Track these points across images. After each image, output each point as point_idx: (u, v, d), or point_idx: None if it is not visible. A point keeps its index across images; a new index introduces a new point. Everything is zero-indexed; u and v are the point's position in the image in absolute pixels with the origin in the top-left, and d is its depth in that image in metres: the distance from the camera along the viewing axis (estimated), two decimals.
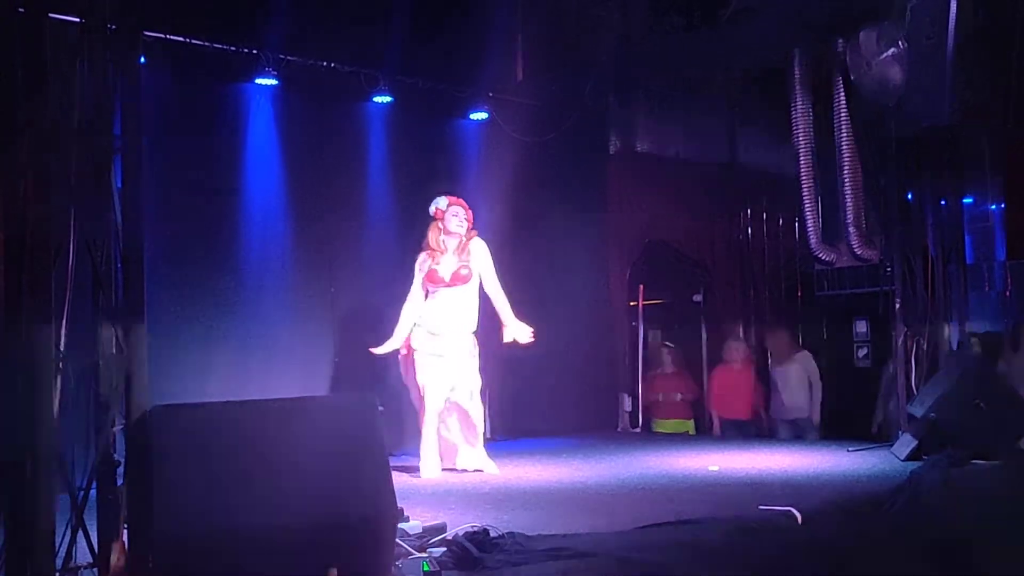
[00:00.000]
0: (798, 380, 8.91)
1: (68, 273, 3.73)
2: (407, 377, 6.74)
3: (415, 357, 6.59)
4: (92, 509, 3.71)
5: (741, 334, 10.45)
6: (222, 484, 3.49)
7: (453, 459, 6.70)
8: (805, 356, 9.09)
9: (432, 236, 6.66)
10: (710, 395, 9.32)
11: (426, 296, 6.67)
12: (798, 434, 8.77)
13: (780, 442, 8.28)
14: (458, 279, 6.55)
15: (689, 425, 9.40)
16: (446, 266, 6.58)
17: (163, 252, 6.33)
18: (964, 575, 4.92)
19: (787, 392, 8.91)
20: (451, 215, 6.64)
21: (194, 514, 3.41)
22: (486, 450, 6.75)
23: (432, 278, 6.58)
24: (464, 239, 6.64)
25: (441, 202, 6.69)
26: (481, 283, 6.66)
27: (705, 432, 9.41)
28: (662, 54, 8.24)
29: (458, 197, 6.79)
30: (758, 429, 9.08)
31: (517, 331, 6.66)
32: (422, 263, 6.65)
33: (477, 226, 6.89)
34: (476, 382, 6.64)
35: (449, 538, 4.07)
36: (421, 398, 6.61)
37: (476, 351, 6.68)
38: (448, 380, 6.54)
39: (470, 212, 6.76)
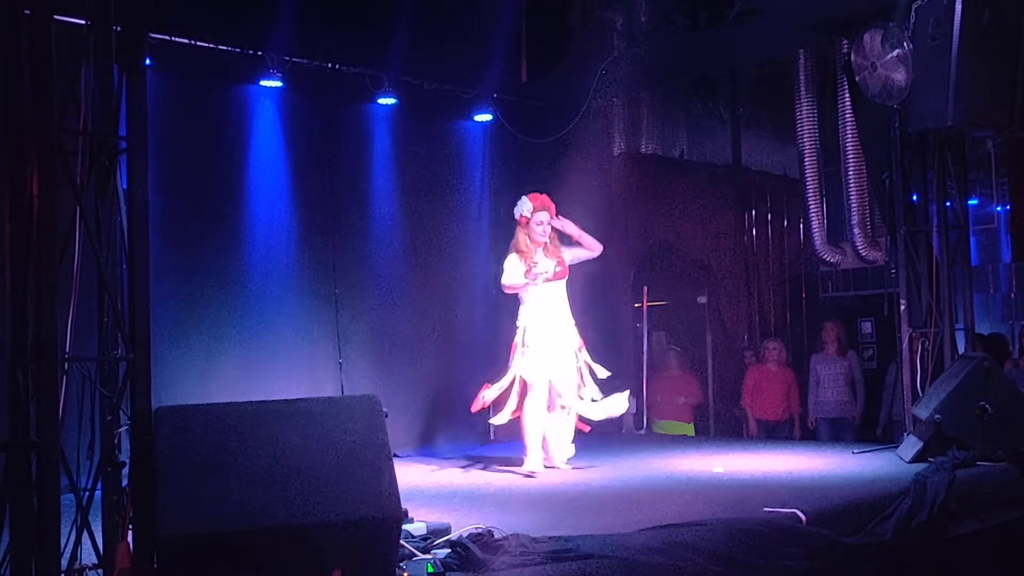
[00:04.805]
0: (842, 379, 8.92)
1: (74, 274, 3.74)
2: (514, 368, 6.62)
3: (526, 353, 6.50)
4: (97, 510, 3.72)
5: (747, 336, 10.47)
6: (226, 485, 3.50)
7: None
8: (852, 356, 9.11)
9: (521, 239, 6.66)
10: (744, 395, 9.32)
11: (522, 295, 6.64)
12: (837, 435, 8.75)
13: (818, 444, 8.23)
14: (556, 275, 6.62)
15: (688, 428, 9.39)
16: (543, 264, 6.61)
17: (168, 253, 6.33)
18: None
19: (830, 390, 8.91)
20: (535, 224, 6.64)
21: (199, 515, 3.42)
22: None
23: (531, 275, 6.57)
24: (551, 244, 6.68)
25: (526, 208, 6.66)
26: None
27: (704, 435, 9.41)
28: (667, 55, 8.23)
29: (541, 194, 6.76)
30: (791, 431, 9.08)
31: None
32: (516, 262, 6.61)
33: (482, 228, 6.89)
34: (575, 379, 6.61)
35: (453, 539, 4.06)
36: (525, 392, 6.53)
37: (580, 341, 6.67)
38: (556, 374, 6.52)
39: (553, 207, 6.74)
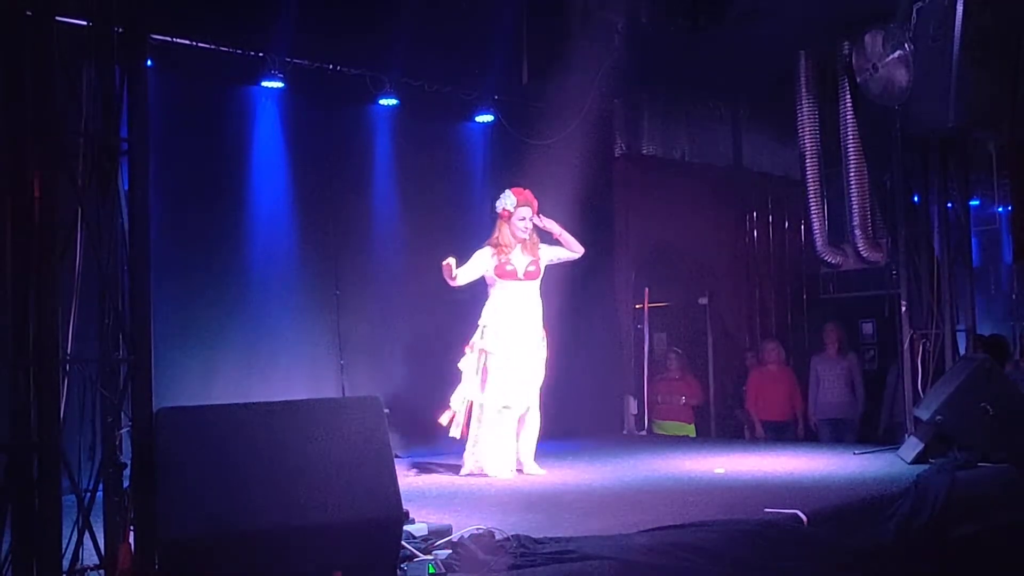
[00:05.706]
0: (842, 380, 8.92)
1: (75, 275, 3.74)
2: (469, 371, 6.59)
3: (487, 361, 6.49)
4: (98, 511, 3.72)
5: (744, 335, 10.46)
6: (228, 486, 3.49)
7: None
8: (853, 357, 9.11)
9: (503, 234, 6.62)
10: (748, 399, 9.32)
11: (491, 291, 6.62)
12: (839, 436, 8.75)
13: (819, 445, 8.23)
14: (529, 275, 6.58)
15: (690, 429, 9.39)
16: (517, 261, 6.57)
17: (169, 254, 6.32)
18: None
19: (831, 391, 8.91)
20: (518, 219, 6.60)
21: (200, 516, 3.42)
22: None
23: (503, 271, 6.54)
24: (529, 240, 6.64)
25: (508, 202, 6.62)
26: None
27: (705, 436, 9.41)
28: (668, 56, 8.23)
29: (524, 189, 6.72)
30: (796, 431, 9.08)
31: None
32: (487, 256, 6.59)
33: (483, 229, 6.87)
34: (539, 382, 6.61)
35: (455, 540, 4.06)
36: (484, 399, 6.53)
37: (544, 346, 6.63)
38: (521, 382, 6.51)
39: (535, 203, 6.69)
